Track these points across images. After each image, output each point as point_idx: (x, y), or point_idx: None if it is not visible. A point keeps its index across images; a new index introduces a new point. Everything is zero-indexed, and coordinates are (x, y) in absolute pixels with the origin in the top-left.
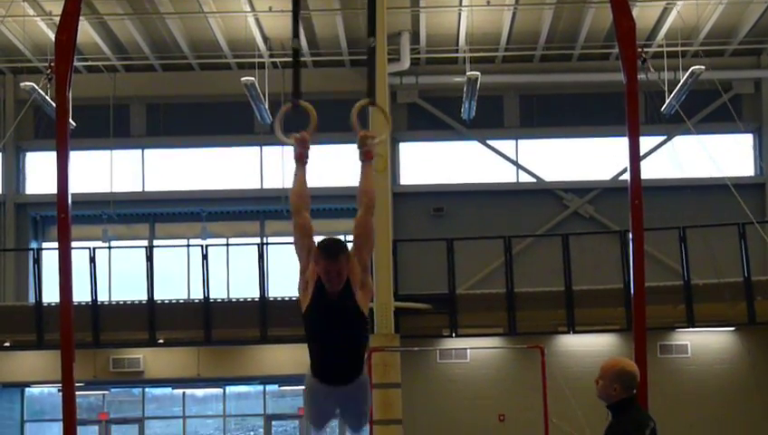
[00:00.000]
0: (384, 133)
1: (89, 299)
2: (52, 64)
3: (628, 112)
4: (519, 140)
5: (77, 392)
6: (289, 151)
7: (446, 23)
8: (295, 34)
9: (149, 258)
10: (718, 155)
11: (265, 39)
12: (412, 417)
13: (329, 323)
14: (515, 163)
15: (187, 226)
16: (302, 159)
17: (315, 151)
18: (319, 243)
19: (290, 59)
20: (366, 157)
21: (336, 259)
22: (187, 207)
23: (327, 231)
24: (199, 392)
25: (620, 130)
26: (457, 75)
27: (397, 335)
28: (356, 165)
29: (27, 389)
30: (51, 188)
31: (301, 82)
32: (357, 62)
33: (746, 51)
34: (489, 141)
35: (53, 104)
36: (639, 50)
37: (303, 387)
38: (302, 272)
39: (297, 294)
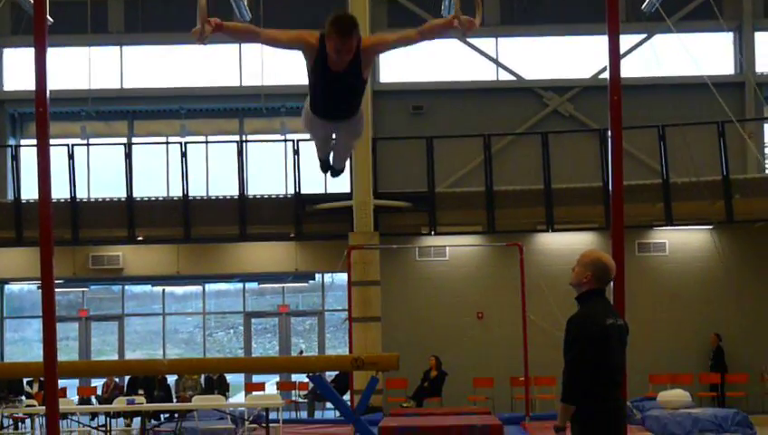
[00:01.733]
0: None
1: (68, 196)
2: None
3: (608, 10)
4: (499, 38)
5: (56, 289)
6: (268, 50)
7: None
8: None
9: (128, 155)
10: (698, 53)
11: None
12: (391, 314)
13: (331, 90)
14: (495, 61)
15: (165, 123)
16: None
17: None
18: (331, 19)
19: None
20: (468, 26)
21: (349, 36)
22: (166, 105)
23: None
24: (179, 290)
25: (601, 28)
26: None
27: (376, 233)
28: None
29: (6, 285)
30: (29, 84)
31: None
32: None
33: None
34: (469, 39)
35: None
36: None
37: (302, 111)
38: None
39: (276, 193)
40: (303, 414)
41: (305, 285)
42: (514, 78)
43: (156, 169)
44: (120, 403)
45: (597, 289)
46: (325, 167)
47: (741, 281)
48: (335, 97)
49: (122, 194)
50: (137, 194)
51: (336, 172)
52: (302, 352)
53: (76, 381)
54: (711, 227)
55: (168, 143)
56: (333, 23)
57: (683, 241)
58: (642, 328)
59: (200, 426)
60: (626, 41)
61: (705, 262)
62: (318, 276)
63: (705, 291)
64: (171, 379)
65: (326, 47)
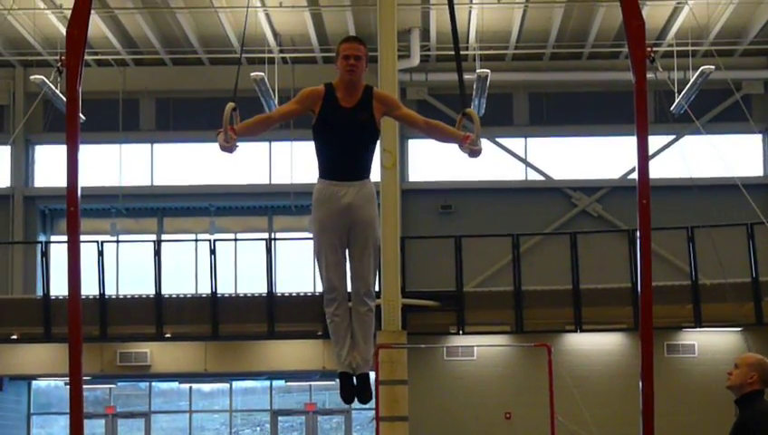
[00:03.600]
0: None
1: (97, 293)
2: (63, 58)
3: (637, 111)
4: (528, 138)
5: (84, 386)
6: (297, 148)
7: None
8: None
9: (157, 252)
10: (727, 155)
11: (275, 34)
12: (418, 414)
13: (339, 129)
14: (524, 161)
15: (195, 220)
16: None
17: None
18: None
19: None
20: (473, 154)
21: (357, 41)
22: (196, 202)
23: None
24: (206, 387)
25: (629, 129)
26: (467, 73)
27: (404, 332)
28: None
29: (34, 382)
30: (60, 181)
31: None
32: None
33: (756, 51)
34: (498, 139)
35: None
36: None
37: (312, 201)
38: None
39: (304, 291)
40: None
41: (332, 383)
42: (543, 178)
43: (185, 265)
44: None
45: (760, 390)
46: (347, 387)
47: None
48: (346, 140)
49: (151, 291)
50: (165, 291)
51: (362, 393)
52: None
53: None
54: (740, 329)
55: (197, 240)
56: (343, 40)
57: (712, 343)
58: (672, 430)
59: None
60: (655, 142)
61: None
62: None
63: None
64: None
65: (334, 90)
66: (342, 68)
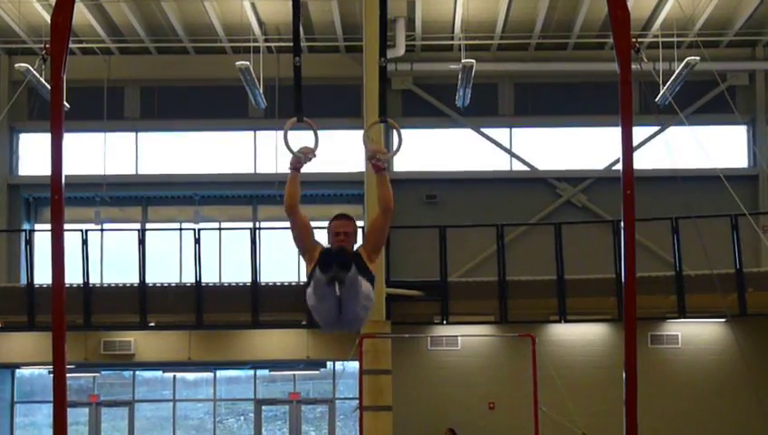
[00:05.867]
0: (394, 150)
1: (80, 281)
2: (47, 46)
3: (622, 102)
4: (513, 129)
5: (67, 374)
6: (281, 137)
7: (441, 10)
8: (296, 53)
9: (142, 241)
10: (711, 146)
11: (261, 23)
12: (402, 404)
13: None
14: (509, 151)
15: (179, 209)
16: (297, 169)
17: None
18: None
19: (284, 43)
20: (376, 169)
21: (346, 219)
22: (181, 191)
23: (321, 216)
24: (190, 376)
25: (614, 119)
26: (452, 62)
27: (388, 322)
28: (350, 150)
29: (18, 370)
30: (44, 169)
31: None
32: (352, 47)
33: (741, 42)
34: (483, 129)
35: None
36: (634, 40)
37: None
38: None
39: (288, 280)
40: None
41: (316, 372)
42: (528, 168)
43: (169, 254)
44: None
45: None
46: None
47: (755, 374)
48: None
49: (135, 280)
50: (149, 280)
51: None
52: None
53: None
54: (724, 320)
55: (181, 229)
56: (334, 216)
57: (696, 334)
58: (655, 421)
59: None
60: (639, 133)
61: (718, 355)
62: (329, 364)
63: (718, 384)
64: None
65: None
66: (333, 244)
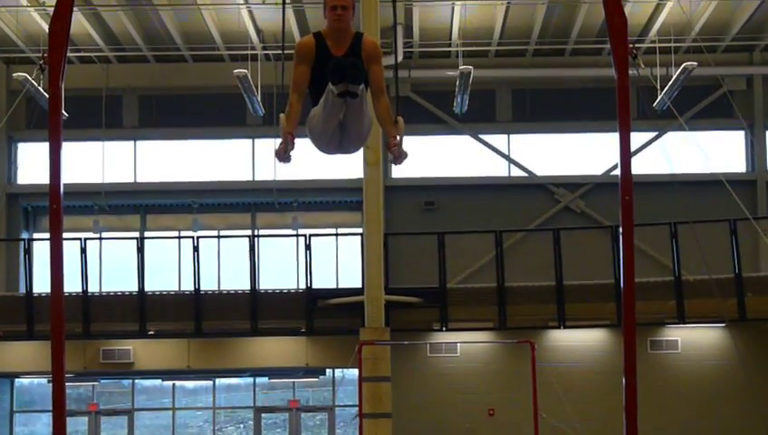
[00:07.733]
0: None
1: (80, 290)
2: (45, 55)
3: (619, 108)
4: (511, 135)
5: (67, 383)
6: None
7: (439, 17)
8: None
9: (140, 250)
10: (710, 151)
11: (258, 31)
12: (402, 411)
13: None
14: (507, 157)
15: (178, 217)
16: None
17: (305, 144)
18: None
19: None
20: (398, 161)
21: None
22: (179, 199)
23: (320, 223)
24: (189, 384)
25: (612, 125)
26: (450, 69)
27: (387, 329)
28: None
29: (17, 379)
30: (43, 178)
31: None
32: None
33: (738, 47)
34: (481, 135)
35: (46, 95)
36: (631, 45)
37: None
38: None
39: (287, 288)
40: None
41: (316, 380)
42: (526, 174)
43: (168, 263)
44: None
45: None
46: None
47: (754, 379)
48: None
49: (134, 288)
50: (148, 288)
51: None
52: None
53: None
54: (723, 324)
55: (180, 237)
56: None
57: (695, 339)
58: (655, 426)
59: None
60: (637, 138)
61: (717, 360)
62: (329, 371)
63: (718, 389)
64: None
65: (324, 38)
66: (330, 18)
